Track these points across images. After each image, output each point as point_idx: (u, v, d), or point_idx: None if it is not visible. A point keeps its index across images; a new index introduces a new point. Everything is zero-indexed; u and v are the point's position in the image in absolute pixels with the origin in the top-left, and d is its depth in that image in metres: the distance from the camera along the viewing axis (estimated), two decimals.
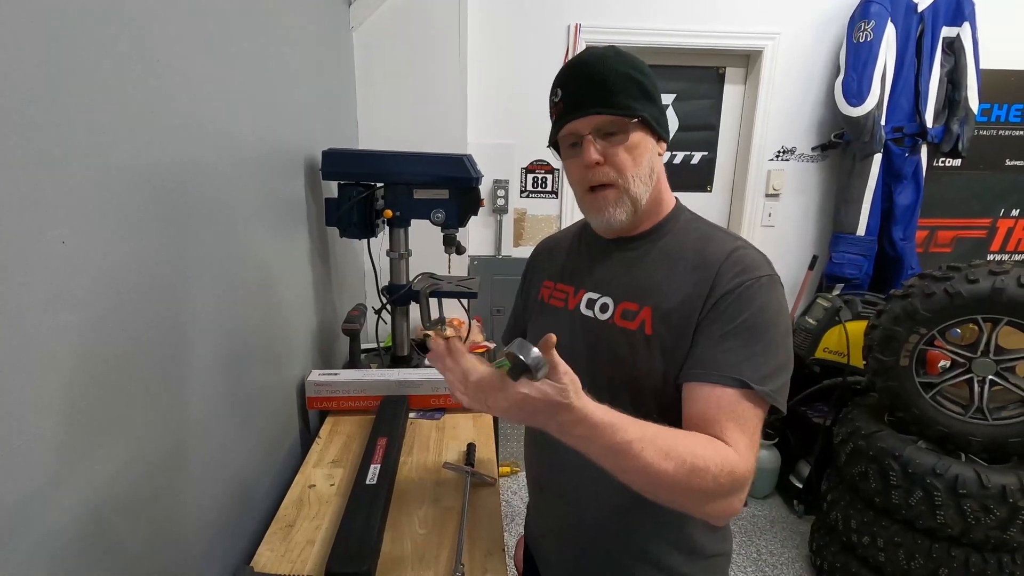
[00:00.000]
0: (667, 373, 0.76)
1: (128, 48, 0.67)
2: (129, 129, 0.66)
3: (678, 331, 0.75)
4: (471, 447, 1.25)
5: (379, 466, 1.10)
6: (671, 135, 0.83)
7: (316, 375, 1.41)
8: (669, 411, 0.75)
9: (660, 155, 0.81)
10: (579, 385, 0.63)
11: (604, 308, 0.83)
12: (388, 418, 1.30)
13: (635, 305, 0.79)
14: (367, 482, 1.05)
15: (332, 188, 1.54)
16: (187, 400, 0.82)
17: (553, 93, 0.80)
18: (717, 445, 0.67)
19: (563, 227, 2.54)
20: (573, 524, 0.89)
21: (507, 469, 2.73)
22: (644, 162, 0.78)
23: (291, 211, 1.33)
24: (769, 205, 2.61)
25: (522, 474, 2.78)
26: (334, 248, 1.70)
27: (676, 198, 0.87)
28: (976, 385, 1.74)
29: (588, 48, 0.81)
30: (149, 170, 0.71)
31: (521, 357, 0.59)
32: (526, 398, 0.60)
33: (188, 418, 0.82)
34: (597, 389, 0.66)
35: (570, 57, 2.31)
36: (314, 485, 1.14)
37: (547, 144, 0.87)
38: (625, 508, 0.82)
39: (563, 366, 0.61)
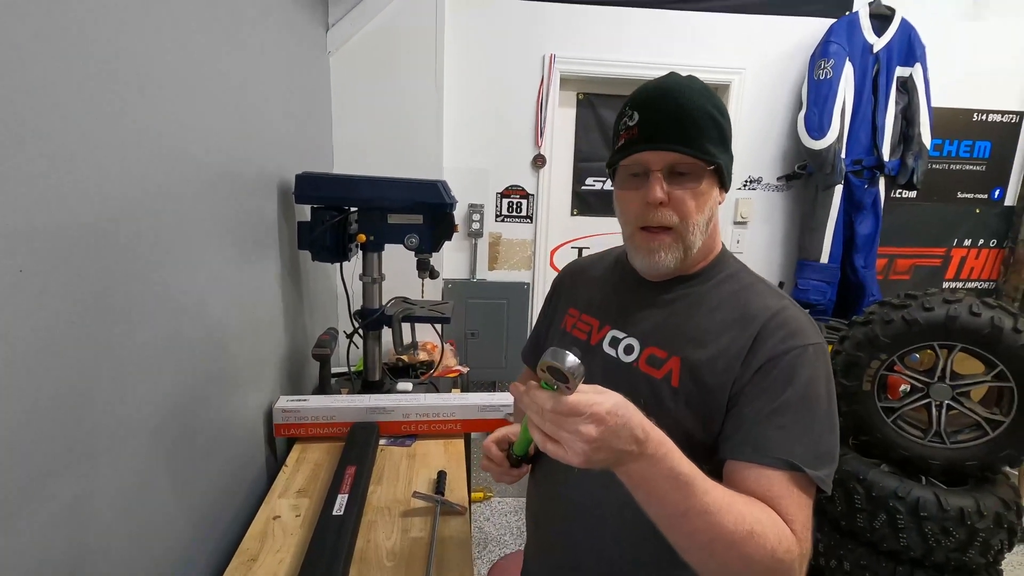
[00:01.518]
0: (692, 432, 0.69)
1: (88, 67, 0.67)
2: (82, 150, 0.66)
3: (708, 389, 0.69)
4: (441, 475, 1.23)
5: (347, 496, 1.08)
6: None
7: (284, 401, 1.39)
8: None
9: (719, 203, 0.76)
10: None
11: (629, 350, 0.78)
12: (357, 446, 1.28)
13: (663, 352, 0.74)
14: (334, 513, 1.03)
15: (306, 211, 1.53)
16: (135, 438, 0.79)
17: (626, 115, 0.73)
18: (775, 516, 0.61)
19: (537, 251, 2.58)
20: (568, 566, 0.85)
21: (480, 495, 2.70)
22: (706, 210, 0.72)
23: (262, 235, 1.31)
24: (737, 232, 2.68)
25: (496, 499, 2.75)
26: (306, 272, 1.69)
27: (723, 244, 0.82)
28: (934, 410, 1.80)
29: (672, 74, 0.74)
30: (88, 199, 0.70)
31: (556, 363, 0.51)
32: (614, 409, 0.52)
33: (138, 454, 0.79)
34: None
35: (545, 84, 2.38)
36: (279, 516, 1.11)
37: (606, 164, 0.80)
38: (620, 558, 0.77)
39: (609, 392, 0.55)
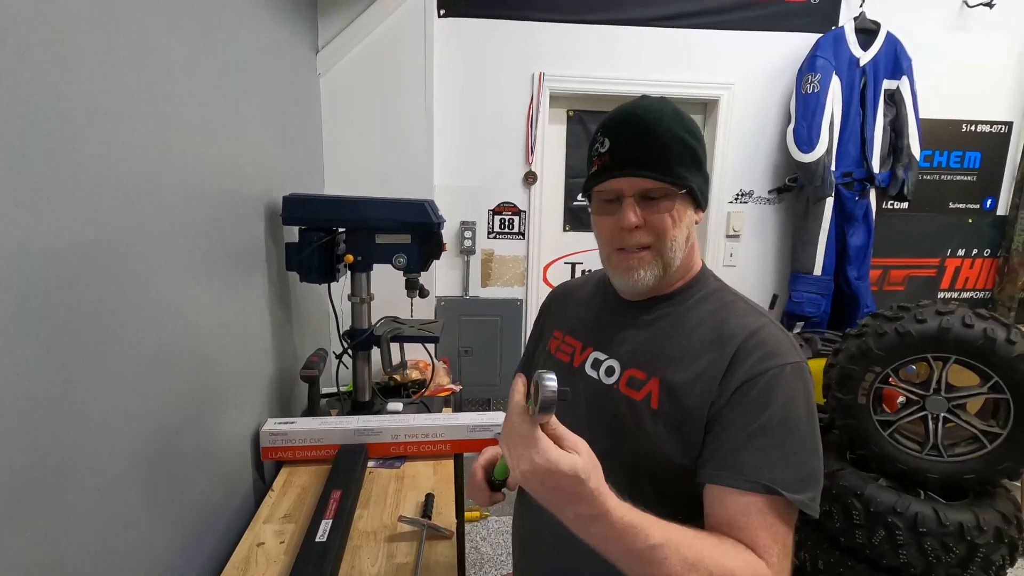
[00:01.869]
0: (672, 455, 0.69)
1: (78, 91, 0.67)
2: (61, 190, 0.66)
3: (687, 412, 0.69)
4: (429, 498, 1.22)
5: (331, 521, 1.06)
6: None
7: (271, 424, 1.37)
8: (667, 491, 0.69)
9: (697, 223, 0.76)
10: (602, 475, 0.56)
11: (610, 371, 0.77)
12: (344, 469, 1.27)
13: (643, 374, 0.73)
14: (317, 539, 1.01)
15: (294, 233, 1.54)
16: (115, 465, 0.78)
17: (598, 141, 0.74)
18: (748, 557, 0.60)
19: (530, 267, 2.58)
20: None
21: (476, 514, 2.66)
22: (683, 228, 0.73)
23: (249, 256, 1.32)
24: (730, 246, 2.69)
25: (492, 519, 2.72)
26: (296, 293, 1.69)
27: (703, 262, 0.82)
28: (930, 422, 1.78)
29: (643, 98, 0.74)
30: (71, 220, 0.70)
31: (548, 384, 0.51)
32: (557, 472, 0.52)
33: (117, 482, 0.78)
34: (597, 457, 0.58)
35: (535, 102, 2.40)
36: (263, 543, 1.09)
37: (581, 192, 0.82)
38: None
39: (584, 445, 0.56)
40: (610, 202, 0.74)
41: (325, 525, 1.05)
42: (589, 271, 2.62)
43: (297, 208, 1.46)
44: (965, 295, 2.85)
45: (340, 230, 1.53)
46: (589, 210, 0.79)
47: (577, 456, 0.54)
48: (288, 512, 1.19)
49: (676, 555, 0.56)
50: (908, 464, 1.77)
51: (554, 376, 0.53)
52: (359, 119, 2.10)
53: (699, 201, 0.74)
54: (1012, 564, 1.66)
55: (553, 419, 0.56)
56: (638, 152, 0.70)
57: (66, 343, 0.68)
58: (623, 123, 0.72)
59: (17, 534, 0.60)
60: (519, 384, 0.58)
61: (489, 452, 0.90)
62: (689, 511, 0.66)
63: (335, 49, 2.03)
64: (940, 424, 1.77)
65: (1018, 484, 2.52)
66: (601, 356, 0.80)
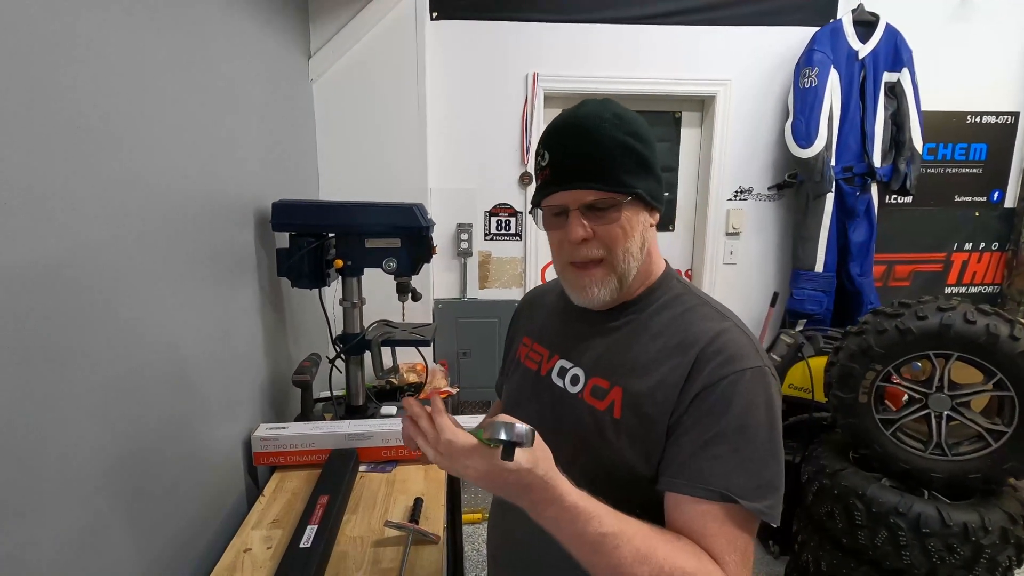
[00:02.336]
0: (635, 465, 0.68)
1: (49, 96, 0.67)
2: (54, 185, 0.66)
3: (648, 421, 0.68)
4: (418, 502, 1.21)
5: (316, 527, 1.06)
6: None
7: (263, 429, 1.38)
8: (631, 499, 0.67)
9: (652, 226, 0.74)
10: (552, 462, 0.58)
11: (575, 380, 0.76)
12: (333, 474, 1.27)
13: (606, 383, 0.72)
14: (301, 546, 1.01)
15: (284, 239, 1.54)
16: (85, 483, 0.77)
17: (539, 155, 0.72)
18: (704, 560, 0.60)
19: (528, 269, 2.57)
20: None
21: (477, 516, 2.66)
22: (636, 236, 0.71)
23: (238, 264, 1.32)
24: (730, 244, 2.66)
25: None
26: (289, 298, 1.69)
27: (666, 263, 0.81)
28: (934, 421, 1.75)
29: (583, 104, 0.72)
30: (39, 234, 0.70)
31: (505, 438, 0.54)
32: (497, 468, 0.55)
33: (88, 500, 0.77)
34: (558, 466, 0.59)
35: (530, 103, 2.39)
36: (250, 549, 1.09)
37: (528, 208, 0.81)
38: None
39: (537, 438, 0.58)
40: (558, 215, 0.72)
41: (310, 531, 1.05)
42: None
43: (286, 214, 1.46)
44: (973, 290, 2.80)
45: (330, 235, 1.53)
46: (538, 226, 0.77)
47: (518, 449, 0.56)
48: (277, 517, 1.20)
49: (628, 545, 0.57)
50: (911, 463, 1.74)
51: (511, 422, 0.55)
52: (353, 124, 2.11)
53: (651, 204, 0.72)
54: (1019, 565, 1.63)
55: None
56: (578, 164, 0.68)
57: (45, 352, 0.68)
58: (562, 134, 0.70)
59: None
60: (416, 407, 0.64)
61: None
62: (653, 519, 0.65)
63: (327, 54, 2.03)
64: (944, 422, 1.74)
65: (1022, 484, 2.46)
66: (567, 364, 0.79)
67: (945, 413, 1.74)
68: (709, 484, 0.62)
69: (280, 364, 1.61)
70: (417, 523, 1.14)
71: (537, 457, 0.57)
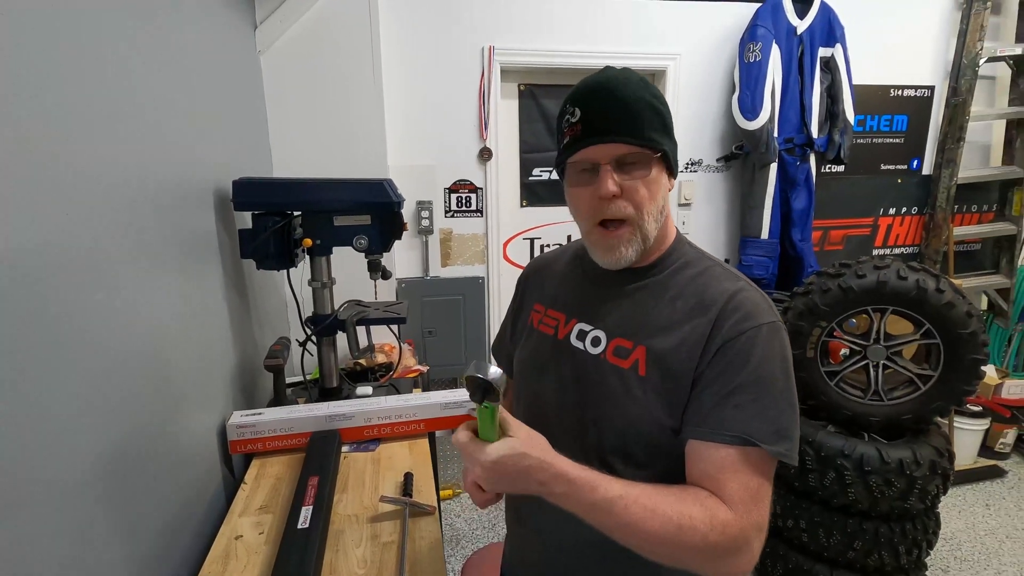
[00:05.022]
0: (661, 418, 0.72)
1: None
2: None
3: (673, 376, 0.71)
4: (408, 477, 1.22)
5: (311, 508, 1.05)
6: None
7: (238, 417, 1.34)
8: (660, 455, 0.72)
9: (669, 190, 0.77)
10: (548, 446, 0.65)
11: (596, 342, 0.79)
12: (319, 455, 1.25)
13: (629, 343, 0.75)
14: (299, 527, 1.00)
15: (247, 219, 1.47)
16: (71, 484, 0.73)
17: (568, 112, 0.73)
18: (708, 502, 0.64)
19: (490, 245, 2.58)
20: (550, 560, 0.85)
21: (449, 492, 2.69)
22: (659, 198, 0.74)
23: (199, 247, 1.25)
24: (683, 214, 2.76)
25: (465, 495, 2.75)
26: (252, 281, 1.63)
27: (677, 229, 0.83)
28: (872, 370, 1.92)
29: (606, 69, 0.75)
30: None
31: (479, 375, 0.60)
32: (499, 461, 0.62)
33: (75, 499, 0.73)
34: (583, 425, 0.65)
35: (486, 77, 2.36)
36: (241, 536, 1.07)
37: (553, 165, 0.82)
38: (602, 548, 0.77)
39: (525, 428, 0.65)
40: (585, 171, 0.73)
41: (306, 512, 1.04)
42: (547, 246, 2.67)
43: (249, 192, 1.40)
44: (897, 251, 3.05)
45: (296, 214, 1.48)
46: (564, 184, 0.79)
47: (509, 439, 0.64)
48: (264, 503, 1.17)
49: (636, 504, 0.63)
50: (853, 410, 1.90)
51: (483, 362, 0.62)
52: (305, 98, 2.02)
53: (671, 167, 0.76)
54: (945, 492, 1.83)
55: (500, 409, 0.64)
56: (610, 119, 0.70)
57: (10, 348, 0.63)
58: (591, 92, 0.72)
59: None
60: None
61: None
62: (677, 469, 0.70)
63: (275, 24, 1.93)
64: (880, 371, 1.91)
65: (946, 421, 2.75)
66: (586, 327, 0.81)
67: (881, 363, 1.91)
68: (731, 430, 0.66)
69: (247, 350, 1.56)
70: (411, 496, 1.15)
71: (533, 443, 0.64)
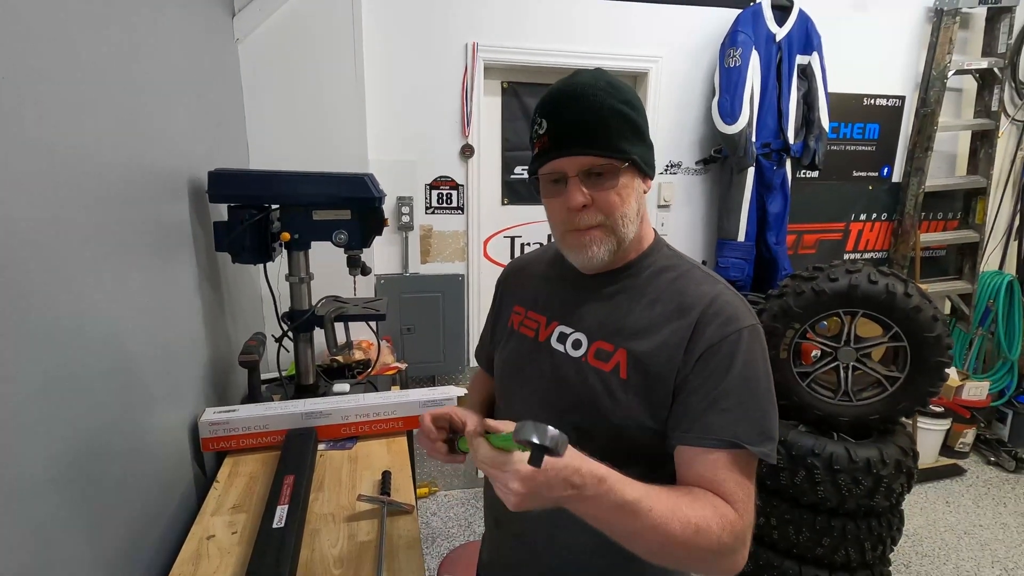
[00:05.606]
0: (643, 420, 0.73)
1: None
2: None
3: (655, 379, 0.72)
4: (386, 475, 1.21)
5: (287, 507, 1.03)
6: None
7: (210, 414, 1.30)
8: (640, 457, 0.72)
9: (645, 192, 0.77)
10: (577, 452, 0.60)
11: (577, 344, 0.79)
12: (294, 453, 1.23)
13: (610, 346, 0.75)
14: (274, 526, 0.98)
15: (222, 211, 1.44)
16: (30, 472, 0.71)
17: (536, 123, 0.74)
18: (716, 502, 0.66)
19: (470, 242, 2.57)
20: (527, 563, 0.85)
21: (425, 490, 2.68)
22: (632, 201, 0.73)
23: (171, 239, 1.21)
24: (661, 216, 2.79)
25: (441, 493, 2.74)
26: (226, 275, 1.59)
27: (655, 231, 0.84)
28: (842, 371, 1.97)
29: (577, 73, 0.74)
30: None
31: (536, 441, 0.52)
32: (535, 473, 0.56)
33: (33, 490, 0.71)
34: (564, 427, 0.61)
35: (469, 73, 2.35)
36: (213, 536, 1.04)
37: (527, 176, 0.81)
38: (581, 552, 0.79)
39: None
40: (556, 183, 0.74)
41: (281, 511, 1.02)
42: (528, 245, 2.67)
43: (225, 184, 1.37)
44: (867, 256, 3.14)
45: (273, 207, 1.45)
46: (537, 193, 0.79)
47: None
48: (237, 503, 1.15)
49: (659, 505, 0.61)
50: (823, 410, 1.95)
51: (540, 424, 0.54)
52: (284, 89, 1.98)
53: (644, 171, 0.75)
54: (909, 490, 1.89)
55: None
56: (576, 130, 0.70)
57: None
58: (558, 102, 0.72)
59: None
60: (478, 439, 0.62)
61: (443, 409, 0.85)
62: (660, 466, 0.72)
63: (254, 11, 1.88)
64: (850, 372, 1.96)
65: (911, 421, 2.85)
66: (567, 330, 0.81)
67: (851, 364, 1.97)
68: (719, 435, 0.68)
69: (221, 346, 1.52)
70: (389, 495, 1.14)
71: (575, 457, 0.58)
